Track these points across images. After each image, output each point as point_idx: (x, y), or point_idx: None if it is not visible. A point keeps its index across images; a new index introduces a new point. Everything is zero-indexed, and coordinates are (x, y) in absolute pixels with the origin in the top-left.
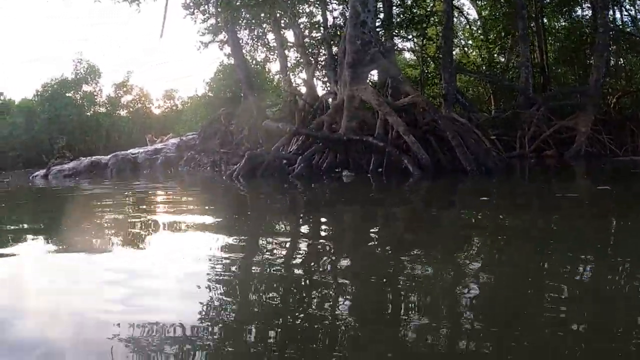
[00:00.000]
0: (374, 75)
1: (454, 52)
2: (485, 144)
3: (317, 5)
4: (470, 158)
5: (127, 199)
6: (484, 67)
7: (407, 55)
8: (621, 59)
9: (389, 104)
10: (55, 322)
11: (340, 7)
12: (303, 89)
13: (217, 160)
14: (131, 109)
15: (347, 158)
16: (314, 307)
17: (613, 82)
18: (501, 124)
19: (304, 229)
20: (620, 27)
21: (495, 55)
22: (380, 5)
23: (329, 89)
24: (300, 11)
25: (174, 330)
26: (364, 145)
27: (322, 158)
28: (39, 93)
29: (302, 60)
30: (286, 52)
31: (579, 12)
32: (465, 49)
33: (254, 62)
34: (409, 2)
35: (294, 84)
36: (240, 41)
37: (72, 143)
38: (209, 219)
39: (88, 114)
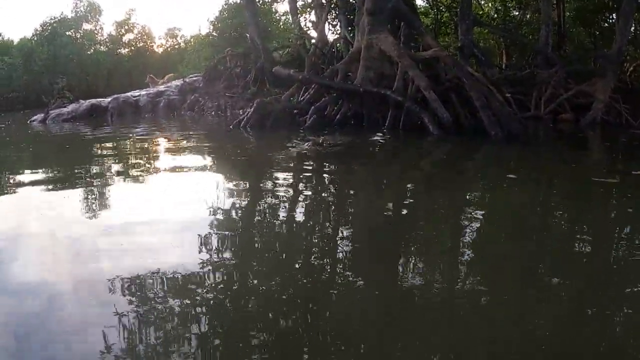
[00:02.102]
0: None
1: None
2: (504, 104)
3: None
4: (495, 122)
5: (126, 147)
6: (498, 21)
7: (419, 2)
8: None
9: (410, 56)
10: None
11: None
12: (313, 33)
13: (221, 104)
14: (133, 48)
15: (362, 111)
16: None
17: (632, 50)
18: (517, 82)
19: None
20: None
21: (511, 8)
22: None
23: (339, 34)
24: None
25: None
26: (380, 99)
27: (336, 109)
28: (37, 32)
29: (313, 1)
30: None
31: None
32: (481, 1)
33: (260, 2)
34: None
35: (304, 27)
36: None
37: (73, 83)
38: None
39: (89, 52)
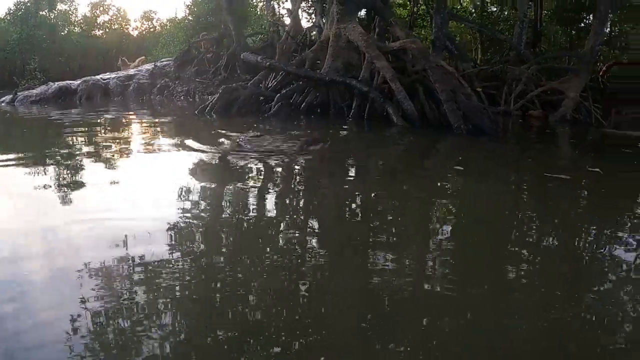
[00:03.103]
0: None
1: None
2: (471, 97)
3: None
4: (459, 115)
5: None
6: (475, 16)
7: None
8: (617, 28)
9: (378, 47)
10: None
11: None
12: (288, 20)
13: (191, 89)
14: (107, 30)
15: (328, 99)
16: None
17: (606, 51)
18: (488, 76)
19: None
20: None
21: (488, 4)
22: None
23: (314, 21)
24: None
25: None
26: (346, 88)
27: (302, 98)
28: (11, 12)
29: None
30: None
31: None
32: None
33: None
34: None
35: (278, 14)
36: None
37: (46, 65)
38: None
39: (62, 33)
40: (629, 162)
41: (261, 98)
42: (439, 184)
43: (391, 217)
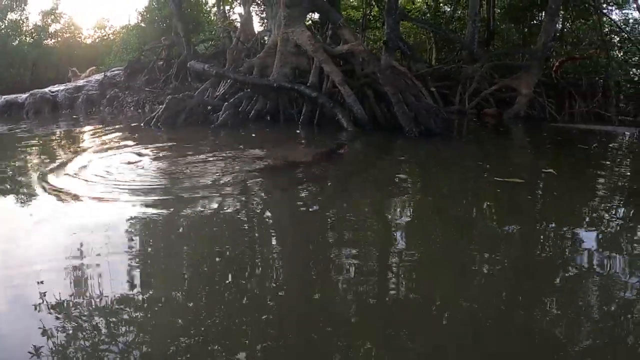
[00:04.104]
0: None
1: None
2: (426, 98)
3: None
4: (410, 117)
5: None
6: (428, 16)
7: None
8: (568, 24)
9: (326, 51)
10: None
11: None
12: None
13: (141, 100)
14: (59, 39)
15: (277, 106)
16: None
17: (558, 47)
18: (442, 76)
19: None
20: None
21: (442, 4)
22: None
23: (266, 26)
24: None
25: None
26: (295, 94)
27: (251, 105)
28: None
29: None
30: None
31: None
32: None
33: None
34: None
35: (229, 19)
36: None
37: None
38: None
39: (14, 43)
40: (584, 160)
41: (209, 107)
42: (377, 195)
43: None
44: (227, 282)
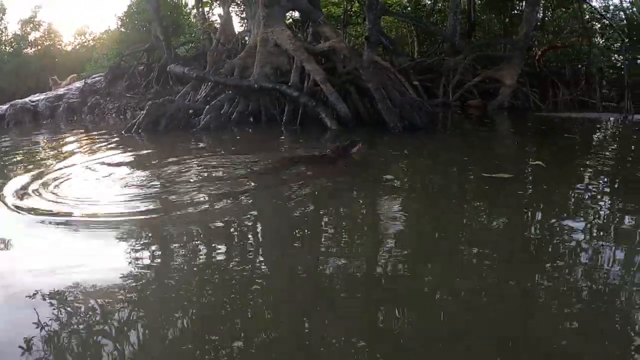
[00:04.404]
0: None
1: None
2: (410, 93)
3: None
4: (393, 112)
5: None
6: (409, 9)
7: None
8: (549, 13)
9: (307, 49)
10: None
11: None
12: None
13: (122, 105)
14: (39, 47)
15: (259, 108)
16: None
17: (540, 36)
18: (424, 69)
19: None
20: None
21: None
22: None
23: (246, 26)
24: None
25: None
26: (277, 94)
27: (233, 107)
28: None
29: None
30: None
31: None
32: None
33: None
34: None
35: (209, 21)
36: None
37: None
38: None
39: None
40: (570, 149)
41: (190, 111)
42: (365, 195)
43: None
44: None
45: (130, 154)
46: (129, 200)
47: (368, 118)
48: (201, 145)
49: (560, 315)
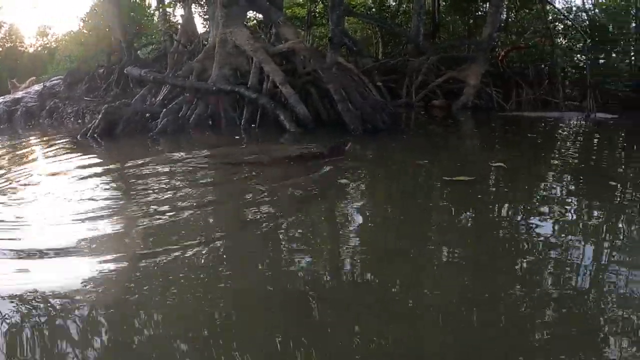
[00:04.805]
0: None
1: None
2: (373, 94)
3: None
4: (354, 114)
5: None
6: (374, 10)
7: None
8: (513, 14)
9: (266, 50)
10: None
11: None
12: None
13: (81, 109)
14: (1, 49)
15: (218, 110)
16: None
17: (504, 36)
18: (389, 70)
19: None
20: None
21: None
22: None
23: (209, 27)
24: None
25: None
26: (236, 96)
27: (191, 110)
28: None
29: None
30: None
31: None
32: None
33: None
34: None
35: (171, 21)
36: None
37: None
38: None
39: None
40: (533, 149)
41: (147, 115)
42: (316, 203)
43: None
44: None
45: (78, 161)
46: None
47: (329, 120)
48: (156, 149)
49: (525, 316)
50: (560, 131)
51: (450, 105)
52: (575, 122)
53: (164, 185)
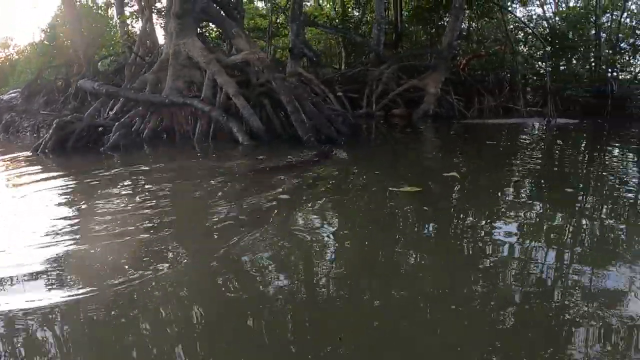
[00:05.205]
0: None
1: (307, 4)
2: (333, 104)
3: None
4: (307, 126)
5: None
6: (337, 21)
7: (260, 4)
8: (474, 23)
9: (220, 62)
10: None
11: None
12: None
13: (37, 123)
14: None
15: (172, 123)
16: None
17: (464, 45)
18: (349, 80)
19: None
20: None
21: (350, 9)
22: None
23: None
24: None
25: None
26: (191, 109)
27: (144, 124)
28: None
29: (137, 5)
30: None
31: None
32: (321, 1)
33: (94, 6)
34: None
35: (131, 33)
36: None
37: None
38: None
39: None
40: (489, 157)
41: (100, 129)
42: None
43: None
44: None
45: (21, 178)
46: None
47: (283, 131)
48: (105, 165)
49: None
50: (519, 138)
51: (410, 114)
52: (535, 128)
53: (108, 205)
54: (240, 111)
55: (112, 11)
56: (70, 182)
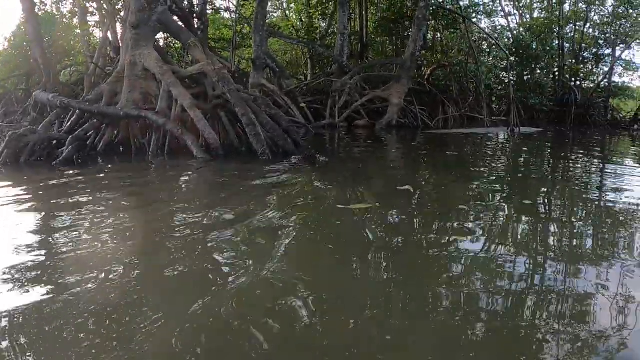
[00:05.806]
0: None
1: (274, 15)
2: (295, 115)
3: None
4: (262, 139)
5: None
6: (302, 32)
7: (227, 15)
8: (438, 34)
9: (175, 73)
10: None
11: None
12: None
13: None
14: None
15: (128, 136)
16: None
17: (429, 55)
18: (313, 91)
19: None
20: (441, 2)
21: (316, 20)
22: None
23: None
24: None
25: None
26: (146, 121)
27: (99, 137)
28: None
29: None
30: (87, 4)
31: None
32: (287, 12)
33: (58, 15)
34: None
35: (92, 43)
36: None
37: None
38: None
39: None
40: (448, 168)
41: (54, 142)
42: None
43: None
44: None
45: None
46: None
47: (240, 145)
48: (54, 182)
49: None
50: (482, 147)
51: (374, 125)
52: (499, 137)
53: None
54: (196, 124)
55: (76, 21)
56: (17, 198)
